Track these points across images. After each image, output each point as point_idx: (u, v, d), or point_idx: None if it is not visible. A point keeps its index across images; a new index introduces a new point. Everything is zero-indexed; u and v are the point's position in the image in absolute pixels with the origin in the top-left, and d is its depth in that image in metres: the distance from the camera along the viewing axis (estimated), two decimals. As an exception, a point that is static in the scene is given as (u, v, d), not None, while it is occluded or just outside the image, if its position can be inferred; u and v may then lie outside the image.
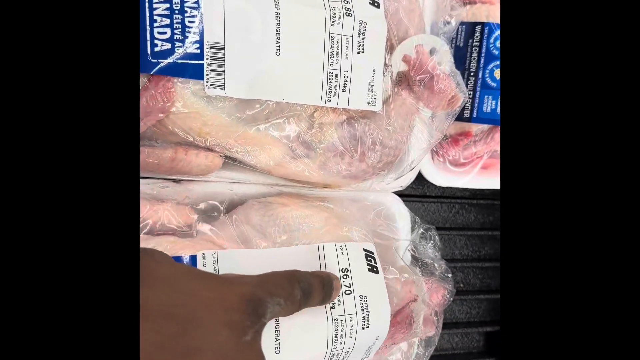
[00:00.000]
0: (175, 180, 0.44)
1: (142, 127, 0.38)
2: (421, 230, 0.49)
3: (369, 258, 0.43)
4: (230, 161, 0.43)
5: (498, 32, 0.49)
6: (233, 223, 0.42)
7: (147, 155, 0.40)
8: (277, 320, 0.38)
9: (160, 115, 0.38)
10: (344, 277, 0.41)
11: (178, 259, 0.38)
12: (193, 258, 0.38)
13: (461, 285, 0.62)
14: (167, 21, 0.37)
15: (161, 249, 0.38)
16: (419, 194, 0.59)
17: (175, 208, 0.42)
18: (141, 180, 0.42)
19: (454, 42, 0.51)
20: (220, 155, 0.42)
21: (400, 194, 0.51)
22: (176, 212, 0.42)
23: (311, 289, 0.34)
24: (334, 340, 0.39)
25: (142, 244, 0.38)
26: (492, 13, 0.50)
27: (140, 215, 0.40)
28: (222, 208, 0.45)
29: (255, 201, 0.45)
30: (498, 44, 0.49)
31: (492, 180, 0.54)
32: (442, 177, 0.53)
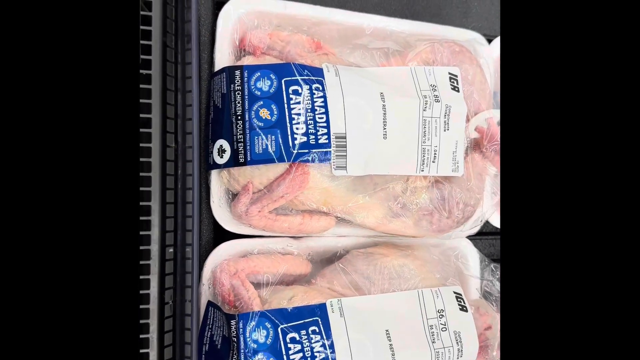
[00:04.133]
0: (294, 237, 0.53)
1: (282, 201, 0.48)
2: (491, 267, 0.59)
3: (458, 299, 0.52)
4: (342, 221, 0.53)
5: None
6: (344, 272, 0.52)
7: (282, 222, 0.49)
8: (392, 353, 0.47)
9: (298, 192, 0.47)
10: (440, 316, 0.50)
11: (312, 307, 0.47)
12: (324, 305, 0.48)
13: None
14: (303, 118, 0.47)
15: (298, 298, 0.48)
16: (476, 232, 0.68)
17: (298, 260, 0.52)
18: (271, 239, 0.52)
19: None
20: (335, 217, 0.52)
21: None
22: (299, 264, 0.52)
23: None
24: (436, 368, 0.49)
25: (285, 294, 0.48)
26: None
27: (276, 269, 0.49)
28: (331, 257, 0.55)
29: (358, 252, 0.54)
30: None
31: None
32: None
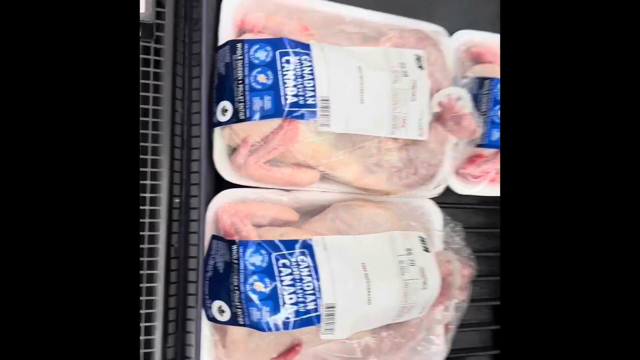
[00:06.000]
0: (286, 190, 0.62)
1: (275, 153, 0.57)
2: (451, 225, 0.68)
3: (422, 242, 0.62)
4: (325, 175, 0.62)
5: (501, 84, 0.69)
6: (328, 219, 0.61)
7: (275, 172, 0.58)
8: (367, 280, 0.56)
9: (289, 144, 0.57)
10: (409, 253, 0.60)
11: (301, 240, 0.56)
12: (310, 240, 0.56)
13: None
14: (293, 83, 0.56)
15: (288, 235, 0.56)
16: (440, 202, 0.78)
17: (287, 208, 0.61)
18: (266, 190, 0.61)
19: (470, 91, 0.71)
20: (320, 172, 0.61)
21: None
22: (288, 211, 0.60)
23: None
24: (404, 296, 0.58)
25: (275, 232, 0.56)
26: (496, 70, 0.70)
27: (269, 213, 0.58)
28: (316, 208, 0.64)
29: (339, 204, 0.63)
30: (501, 92, 0.70)
31: (497, 189, 0.74)
32: (462, 186, 0.73)
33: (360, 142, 0.61)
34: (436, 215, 0.69)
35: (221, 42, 0.59)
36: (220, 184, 0.61)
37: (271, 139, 0.56)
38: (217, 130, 0.58)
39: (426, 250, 0.61)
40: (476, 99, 0.71)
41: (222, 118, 0.57)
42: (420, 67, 0.64)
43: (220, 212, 0.56)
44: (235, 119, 0.56)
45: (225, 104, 0.57)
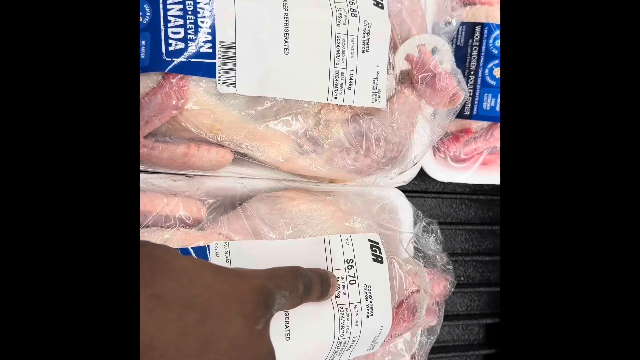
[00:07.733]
0: (187, 175, 0.45)
1: (157, 123, 0.40)
2: (423, 223, 0.51)
3: (373, 248, 0.44)
4: (240, 156, 0.45)
5: (497, 32, 0.51)
6: (243, 216, 0.44)
7: (161, 150, 0.41)
8: (288, 333, 0.40)
9: (174, 112, 0.39)
10: (349, 267, 0.43)
11: (183, 250, 0.39)
12: (205, 249, 0.40)
13: (462, 278, 0.63)
14: (181, 21, 0.39)
15: (175, 239, 0.40)
16: (420, 190, 0.61)
17: (186, 201, 0.44)
18: (154, 175, 0.44)
19: (454, 41, 0.53)
20: (231, 151, 0.44)
21: (402, 189, 0.53)
22: (187, 205, 0.44)
23: (312, 284, 0.36)
24: (340, 327, 0.41)
25: (157, 235, 0.40)
26: (491, 14, 0.51)
27: (153, 208, 0.42)
28: (232, 202, 0.47)
29: (264, 195, 0.46)
30: (497, 43, 0.51)
31: (491, 176, 0.56)
32: (443, 172, 0.55)
33: (287, 110, 0.43)
34: (404, 211, 0.52)
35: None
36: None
37: (147, 104, 0.39)
38: (82, 91, 0.42)
39: (378, 259, 0.44)
40: (462, 53, 0.52)
41: (84, 73, 0.40)
42: (378, 4, 0.45)
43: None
44: (99, 74, 0.39)
45: (88, 53, 0.40)
